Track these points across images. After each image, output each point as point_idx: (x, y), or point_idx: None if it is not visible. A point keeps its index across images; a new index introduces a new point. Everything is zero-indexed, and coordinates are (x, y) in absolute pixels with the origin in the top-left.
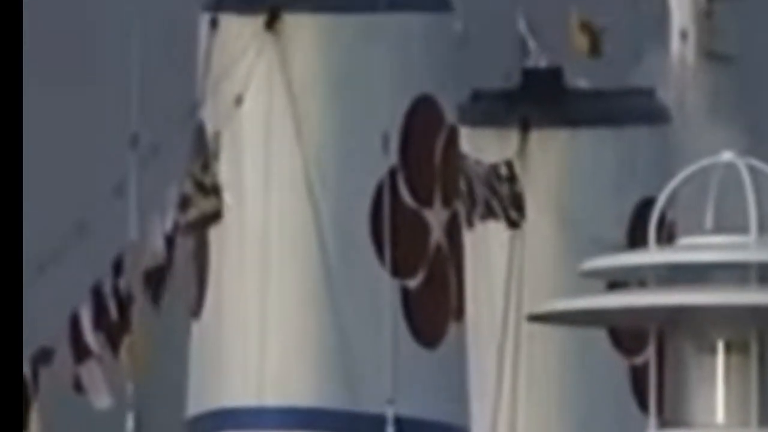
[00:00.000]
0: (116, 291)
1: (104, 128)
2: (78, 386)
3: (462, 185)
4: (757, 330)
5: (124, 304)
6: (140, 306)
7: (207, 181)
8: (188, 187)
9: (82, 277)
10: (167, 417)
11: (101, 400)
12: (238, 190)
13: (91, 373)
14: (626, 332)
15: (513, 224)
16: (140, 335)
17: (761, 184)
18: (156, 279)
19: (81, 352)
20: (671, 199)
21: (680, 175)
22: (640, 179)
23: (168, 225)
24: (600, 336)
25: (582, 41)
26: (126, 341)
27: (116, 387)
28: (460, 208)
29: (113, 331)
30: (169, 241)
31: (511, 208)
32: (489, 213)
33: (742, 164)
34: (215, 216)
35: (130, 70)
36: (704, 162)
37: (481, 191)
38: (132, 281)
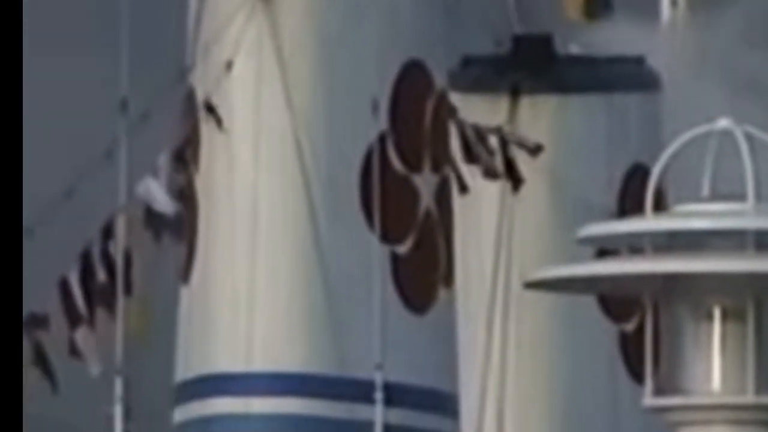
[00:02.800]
0: (106, 254)
1: (93, 93)
2: (74, 351)
3: (459, 146)
4: (753, 297)
5: (113, 268)
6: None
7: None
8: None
9: (71, 243)
10: (156, 382)
11: (94, 366)
12: (227, 155)
13: (86, 338)
14: (615, 299)
15: (516, 182)
16: (141, 297)
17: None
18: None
19: (74, 317)
20: (668, 167)
21: (676, 142)
22: (630, 146)
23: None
24: (590, 302)
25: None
26: (125, 304)
27: (104, 353)
28: (459, 170)
29: (102, 295)
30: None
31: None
32: (488, 173)
33: (738, 131)
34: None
35: (119, 35)
36: (700, 129)
37: (479, 150)
38: (132, 242)
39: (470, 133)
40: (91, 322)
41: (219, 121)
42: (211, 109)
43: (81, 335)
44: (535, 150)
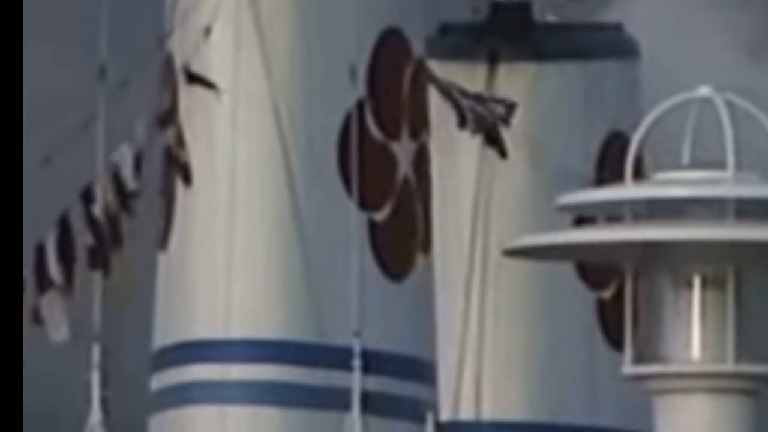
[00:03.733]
0: (89, 217)
1: (72, 59)
2: (36, 318)
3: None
4: (733, 265)
5: (100, 228)
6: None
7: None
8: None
9: (48, 210)
10: (133, 349)
11: (59, 332)
12: (205, 122)
13: (51, 304)
14: (593, 266)
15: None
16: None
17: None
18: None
19: (43, 282)
20: (648, 135)
21: (656, 109)
22: (608, 113)
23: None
24: (567, 269)
25: None
26: (116, 260)
27: (78, 319)
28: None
29: (80, 260)
30: (138, 166)
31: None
32: (480, 126)
33: (719, 99)
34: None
35: (98, 2)
36: (680, 97)
37: (468, 104)
38: (111, 204)
39: (456, 95)
40: (64, 287)
41: (211, 85)
42: (193, 78)
43: (47, 301)
44: (509, 108)
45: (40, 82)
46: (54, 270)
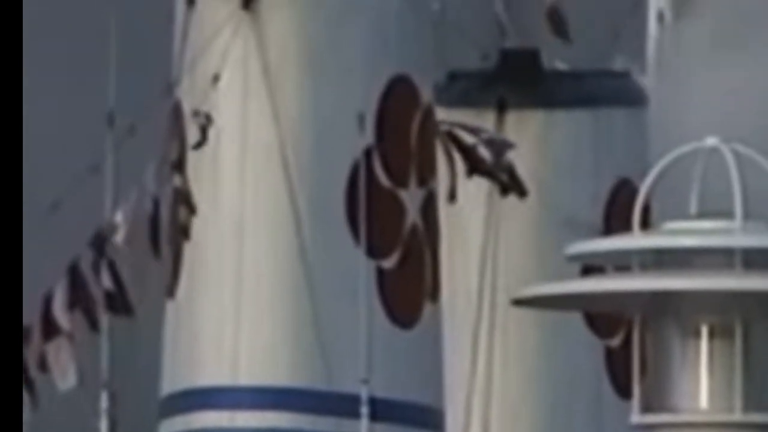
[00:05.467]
0: (109, 263)
1: (80, 106)
2: (42, 365)
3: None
4: (741, 315)
5: (117, 277)
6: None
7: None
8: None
9: (56, 256)
10: (141, 395)
11: (66, 380)
12: (213, 168)
13: (58, 351)
14: (600, 314)
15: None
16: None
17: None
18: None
19: (50, 329)
20: (656, 184)
21: (665, 159)
22: (616, 161)
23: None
24: (575, 317)
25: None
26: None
27: (84, 366)
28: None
29: (90, 309)
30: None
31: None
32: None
33: (726, 149)
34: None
35: (107, 49)
36: (688, 146)
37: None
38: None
39: (464, 136)
40: (70, 334)
41: (204, 134)
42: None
43: (53, 348)
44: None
45: (48, 128)
46: (62, 318)
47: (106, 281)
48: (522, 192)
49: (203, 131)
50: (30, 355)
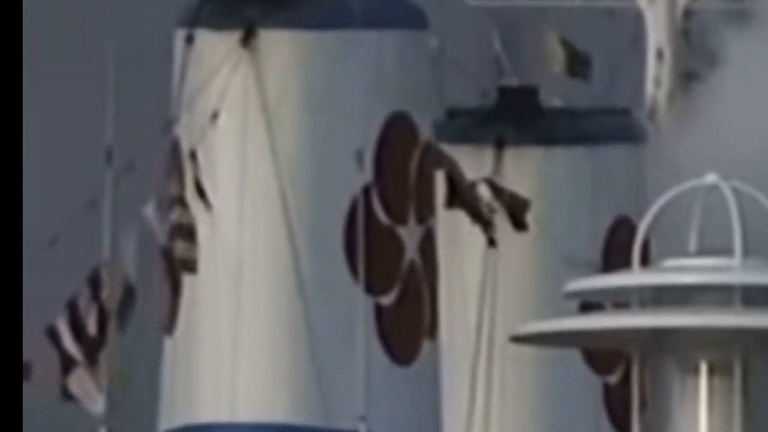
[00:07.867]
0: (97, 305)
1: (79, 143)
2: (66, 395)
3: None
4: (740, 352)
5: (104, 319)
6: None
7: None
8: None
9: (54, 292)
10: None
11: (97, 404)
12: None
13: (81, 380)
14: (599, 351)
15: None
16: (112, 350)
17: (744, 205)
18: (124, 298)
19: (66, 362)
20: (656, 221)
21: (664, 197)
22: (615, 198)
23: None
24: (574, 354)
25: (560, 57)
26: (103, 355)
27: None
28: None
29: (92, 345)
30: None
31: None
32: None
33: (726, 186)
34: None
35: (105, 86)
36: (688, 184)
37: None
38: (109, 296)
39: (459, 177)
40: (88, 365)
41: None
42: (201, 191)
43: (75, 378)
44: (523, 205)
45: (46, 164)
46: (73, 349)
47: (92, 327)
48: (520, 225)
49: None
50: (37, 390)
